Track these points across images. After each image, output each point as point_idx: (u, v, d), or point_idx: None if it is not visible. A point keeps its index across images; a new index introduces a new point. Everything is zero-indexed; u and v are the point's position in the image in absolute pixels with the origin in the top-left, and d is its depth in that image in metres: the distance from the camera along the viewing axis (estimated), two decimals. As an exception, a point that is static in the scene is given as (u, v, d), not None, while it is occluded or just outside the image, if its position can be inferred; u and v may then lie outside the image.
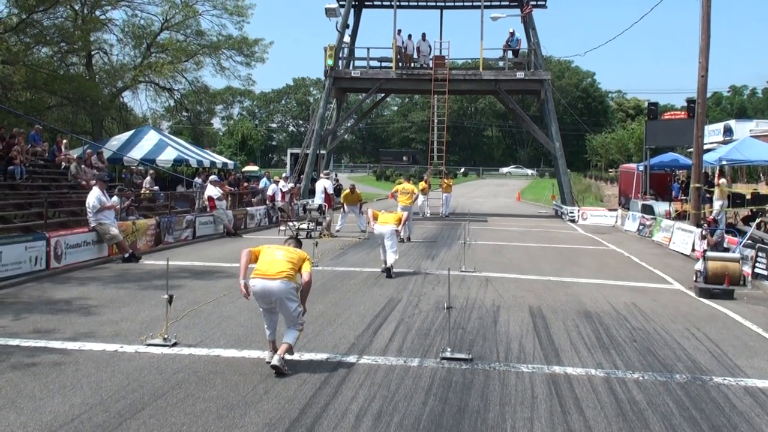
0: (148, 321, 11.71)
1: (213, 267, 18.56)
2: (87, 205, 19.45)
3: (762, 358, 10.52)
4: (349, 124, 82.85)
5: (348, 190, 30.12)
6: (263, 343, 9.89)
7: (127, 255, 19.46)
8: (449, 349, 9.97)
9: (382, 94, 52.69)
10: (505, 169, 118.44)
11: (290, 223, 28.45)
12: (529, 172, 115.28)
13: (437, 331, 11.43)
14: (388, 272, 17.47)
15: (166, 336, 10.30)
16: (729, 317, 13.63)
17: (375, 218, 18.45)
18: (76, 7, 42.97)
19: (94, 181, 21.74)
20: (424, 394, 8.37)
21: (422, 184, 37.79)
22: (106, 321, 11.76)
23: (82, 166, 28.02)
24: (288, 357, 9.16)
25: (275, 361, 8.95)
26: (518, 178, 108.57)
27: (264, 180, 38.20)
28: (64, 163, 28.55)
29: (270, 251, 9.64)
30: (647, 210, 33.68)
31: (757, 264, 17.99)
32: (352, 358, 9.74)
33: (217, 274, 17.22)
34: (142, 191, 29.91)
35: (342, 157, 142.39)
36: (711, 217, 24.45)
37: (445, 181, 41.05)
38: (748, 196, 30.32)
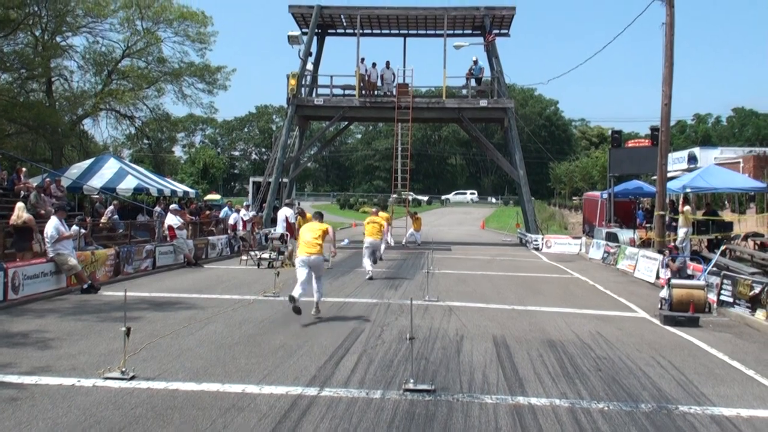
0: (106, 354, 11.54)
1: (173, 298, 18.37)
2: (45, 235, 19.22)
3: (728, 386, 10.56)
4: (312, 152, 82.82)
5: (298, 216, 29.62)
6: (222, 376, 9.90)
7: (85, 286, 19.23)
8: (412, 381, 9.91)
9: (346, 122, 52.74)
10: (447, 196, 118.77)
11: (252, 253, 28.34)
12: (469, 198, 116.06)
13: (400, 362, 11.38)
14: (370, 277, 22.97)
15: (123, 369, 10.15)
16: (694, 345, 13.69)
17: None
18: (37, 33, 42.73)
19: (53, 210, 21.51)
20: (386, 427, 8.29)
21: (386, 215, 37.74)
22: (63, 354, 11.58)
23: (41, 194, 27.71)
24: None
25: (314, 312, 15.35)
26: (483, 206, 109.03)
27: (225, 209, 37.95)
28: (23, 192, 28.21)
29: (305, 234, 15.68)
30: (611, 238, 33.92)
31: (722, 291, 18.09)
32: (313, 391, 9.64)
33: (177, 305, 17.03)
34: (102, 220, 29.61)
35: (305, 186, 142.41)
36: (673, 244, 24.62)
37: (416, 217, 41.04)
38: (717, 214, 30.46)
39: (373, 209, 30.26)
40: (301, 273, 15.23)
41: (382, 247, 27.75)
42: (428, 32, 46.83)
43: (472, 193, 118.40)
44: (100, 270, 21.56)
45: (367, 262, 23.67)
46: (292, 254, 27.58)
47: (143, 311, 15.90)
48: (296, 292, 14.78)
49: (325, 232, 15.54)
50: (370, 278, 22.93)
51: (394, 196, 46.20)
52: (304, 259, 15.23)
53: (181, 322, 14.49)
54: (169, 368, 10.72)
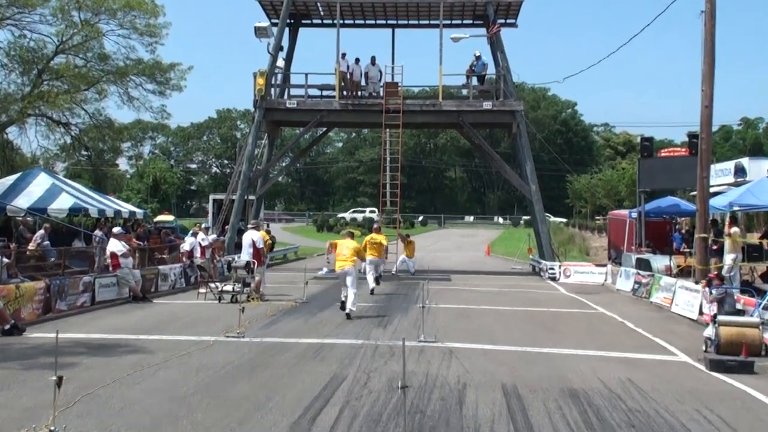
0: (32, 408, 11.39)
1: (116, 340, 18.23)
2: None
3: (791, 446, 10.44)
4: (284, 164, 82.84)
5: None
6: (175, 435, 9.67)
7: (7, 327, 18.99)
8: (405, 439, 9.78)
9: (324, 129, 52.76)
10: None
11: (212, 285, 28.12)
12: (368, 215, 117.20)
13: (390, 417, 11.26)
14: (371, 291, 28.91)
15: (53, 428, 9.99)
16: (748, 395, 13.57)
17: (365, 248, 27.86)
18: (-49, 27, 42.60)
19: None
20: (374, 496, 8.14)
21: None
22: (-22, 409, 11.42)
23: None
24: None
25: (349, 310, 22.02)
26: (489, 227, 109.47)
27: (190, 235, 36.95)
28: (-66, 215, 28.08)
29: (341, 249, 22.63)
30: (643, 265, 33.81)
31: (781, 330, 17.84)
32: (285, 453, 9.49)
33: (120, 349, 16.90)
34: (29, 247, 29.42)
35: (276, 204, 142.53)
36: (715, 273, 24.41)
37: (408, 240, 40.90)
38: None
39: (375, 225, 33.29)
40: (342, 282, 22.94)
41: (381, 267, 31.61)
42: (421, 22, 46.93)
43: (372, 211, 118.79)
44: (27, 307, 21.33)
45: (370, 278, 29.39)
46: (259, 286, 27.46)
47: (79, 356, 15.73)
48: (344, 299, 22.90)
49: (357, 249, 23.32)
50: (372, 292, 28.86)
51: (383, 216, 45.98)
52: (341, 272, 22.67)
53: (126, 369, 14.34)
54: (109, 425, 10.58)
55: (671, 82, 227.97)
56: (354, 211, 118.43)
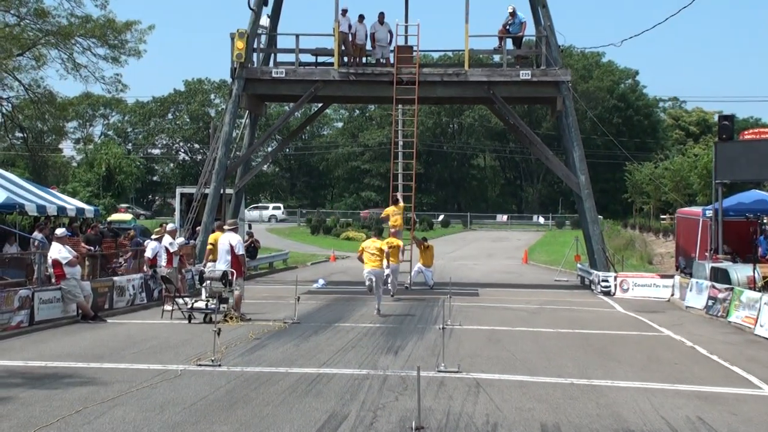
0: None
1: (60, 368, 18.29)
2: None
3: None
4: (269, 150, 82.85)
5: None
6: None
7: None
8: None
9: (320, 105, 52.73)
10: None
11: (180, 300, 28.04)
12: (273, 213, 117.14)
13: (403, 465, 11.33)
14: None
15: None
16: None
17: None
18: None
19: None
20: None
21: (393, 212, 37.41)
22: None
23: None
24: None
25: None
26: (526, 229, 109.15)
27: (153, 243, 36.31)
28: None
29: (367, 253, 28.85)
30: (720, 276, 33.73)
31: None
32: None
33: (66, 380, 16.95)
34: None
35: (260, 199, 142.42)
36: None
37: (425, 245, 40.84)
38: None
39: (391, 230, 36.37)
40: (369, 281, 28.85)
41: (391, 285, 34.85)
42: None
43: (276, 207, 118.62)
44: (-51, 328, 21.47)
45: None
46: (239, 302, 27.37)
47: (14, 389, 15.85)
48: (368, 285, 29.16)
49: (381, 249, 29.21)
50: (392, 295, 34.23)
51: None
52: (369, 271, 28.82)
53: (73, 405, 14.40)
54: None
55: (758, 45, 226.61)
56: (254, 208, 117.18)
